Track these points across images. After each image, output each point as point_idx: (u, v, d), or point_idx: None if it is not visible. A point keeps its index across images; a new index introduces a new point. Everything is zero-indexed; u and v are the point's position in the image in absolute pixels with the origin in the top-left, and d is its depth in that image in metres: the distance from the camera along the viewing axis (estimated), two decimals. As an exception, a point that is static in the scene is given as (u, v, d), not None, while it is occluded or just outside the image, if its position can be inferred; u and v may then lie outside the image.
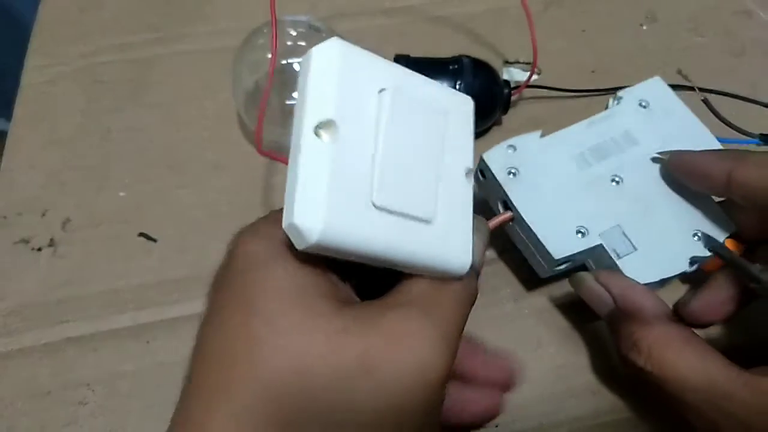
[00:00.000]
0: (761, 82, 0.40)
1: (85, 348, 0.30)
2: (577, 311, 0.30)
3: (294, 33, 0.34)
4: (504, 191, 0.27)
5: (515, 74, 0.40)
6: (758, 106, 0.37)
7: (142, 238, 0.33)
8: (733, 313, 0.26)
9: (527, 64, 0.40)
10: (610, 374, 0.29)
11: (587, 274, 0.27)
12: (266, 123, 0.35)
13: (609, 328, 0.26)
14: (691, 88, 0.38)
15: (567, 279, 0.28)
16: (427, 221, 0.20)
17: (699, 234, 0.27)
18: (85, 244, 0.33)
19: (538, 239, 0.26)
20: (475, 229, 0.22)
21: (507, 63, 0.41)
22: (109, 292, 0.31)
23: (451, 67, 0.34)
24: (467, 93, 0.34)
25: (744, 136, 0.34)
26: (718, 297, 0.26)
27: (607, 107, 0.31)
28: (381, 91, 0.19)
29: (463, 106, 0.22)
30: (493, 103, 0.35)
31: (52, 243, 0.33)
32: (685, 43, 0.42)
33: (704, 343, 0.23)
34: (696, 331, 0.25)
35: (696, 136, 0.30)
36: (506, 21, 0.43)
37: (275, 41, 0.30)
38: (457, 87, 0.34)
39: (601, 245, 0.27)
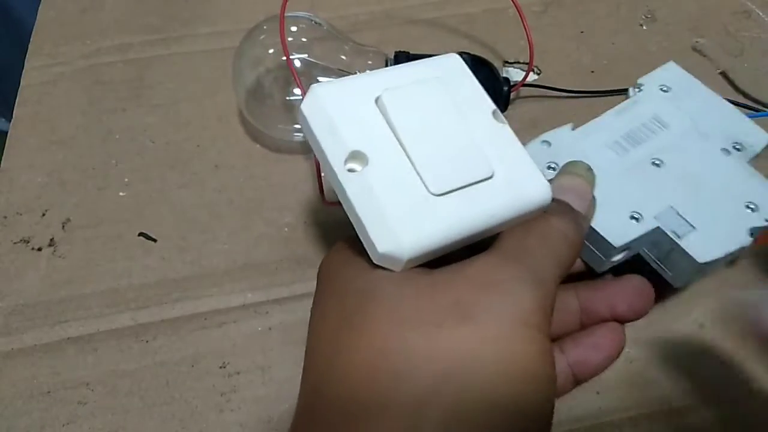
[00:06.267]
0: (761, 82, 0.40)
1: (85, 348, 0.29)
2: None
3: (295, 29, 0.34)
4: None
5: (514, 74, 0.40)
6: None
7: (142, 238, 0.33)
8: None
9: (526, 64, 0.40)
10: (614, 374, 0.28)
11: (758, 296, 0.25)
12: (269, 119, 0.35)
13: None
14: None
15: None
16: (488, 177, 0.20)
17: (752, 205, 0.27)
18: (85, 243, 0.33)
19: (593, 230, 0.26)
20: (576, 172, 0.22)
21: (507, 63, 0.41)
22: (109, 292, 0.31)
23: (450, 65, 0.34)
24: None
25: (765, 108, 0.34)
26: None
27: (628, 96, 0.32)
28: (376, 100, 0.20)
29: (452, 64, 0.23)
30: (492, 100, 0.35)
31: (52, 243, 0.33)
32: (684, 44, 0.42)
33: None
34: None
35: (722, 113, 0.30)
36: (505, 21, 0.43)
37: (283, 33, 0.30)
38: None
39: (658, 228, 0.26)
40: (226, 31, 0.43)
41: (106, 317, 0.30)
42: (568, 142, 0.29)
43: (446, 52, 0.35)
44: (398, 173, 0.19)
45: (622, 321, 0.25)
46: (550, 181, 0.22)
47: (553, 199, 0.21)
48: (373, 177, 0.19)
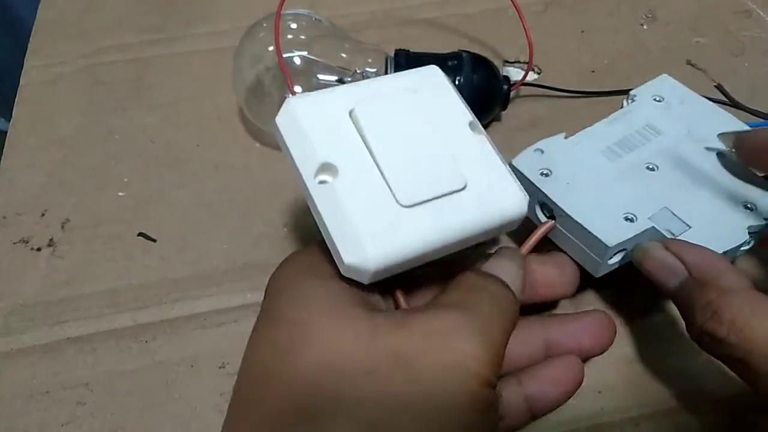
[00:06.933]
0: (761, 81, 0.40)
1: (84, 348, 0.29)
2: (577, 309, 0.30)
3: (294, 26, 0.34)
4: (541, 192, 0.27)
5: (515, 74, 0.40)
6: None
7: (141, 238, 0.33)
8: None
9: (526, 63, 0.40)
10: (615, 374, 0.28)
11: (655, 243, 0.25)
12: (267, 117, 0.35)
13: (678, 300, 0.24)
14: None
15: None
16: (461, 189, 0.20)
17: (750, 205, 0.27)
18: (84, 244, 0.33)
19: (587, 231, 0.25)
20: (510, 258, 0.22)
21: (507, 63, 0.41)
22: (109, 292, 0.31)
23: (450, 63, 0.34)
24: (467, 88, 0.35)
25: (761, 119, 0.34)
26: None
27: (622, 106, 0.32)
28: (350, 112, 0.20)
29: (431, 76, 0.22)
30: (492, 99, 0.35)
31: (51, 243, 0.33)
32: (685, 43, 0.42)
33: None
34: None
35: (719, 120, 0.30)
36: (505, 21, 0.43)
37: (277, 32, 0.30)
38: (457, 82, 0.33)
39: (653, 227, 0.26)
40: (226, 31, 0.43)
41: (106, 317, 0.30)
42: (560, 149, 0.29)
43: (446, 51, 0.36)
44: (368, 185, 0.19)
45: (587, 356, 0.25)
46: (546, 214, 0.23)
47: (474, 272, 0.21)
48: (342, 188, 0.19)
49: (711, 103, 0.31)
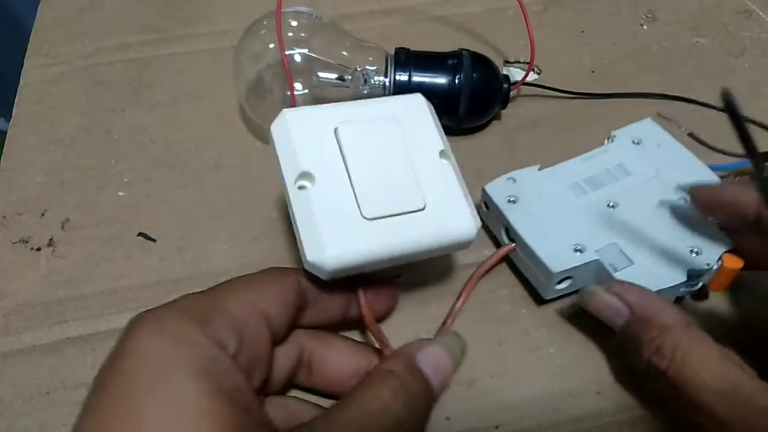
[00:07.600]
0: (761, 82, 0.40)
1: (84, 348, 0.29)
2: (577, 310, 0.30)
3: (295, 23, 0.34)
4: (504, 216, 0.29)
5: (515, 74, 0.40)
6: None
7: (141, 238, 0.33)
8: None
9: (527, 63, 0.40)
10: (614, 374, 0.28)
11: (597, 287, 0.27)
12: (269, 114, 0.35)
13: (624, 338, 0.26)
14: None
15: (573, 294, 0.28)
16: (420, 209, 0.22)
17: (696, 250, 0.28)
18: (84, 243, 0.33)
19: (537, 256, 0.27)
20: (442, 344, 0.22)
21: (507, 63, 0.41)
22: (109, 292, 0.31)
23: (450, 62, 0.34)
24: (466, 87, 0.35)
25: (736, 159, 0.34)
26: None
27: (603, 145, 0.33)
28: (335, 129, 0.23)
29: (413, 104, 0.25)
30: (492, 97, 0.35)
31: (51, 243, 0.33)
32: (685, 43, 0.42)
33: (724, 348, 0.23)
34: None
35: (688, 166, 0.31)
36: (505, 21, 0.43)
37: (280, 30, 0.30)
38: (457, 81, 0.33)
39: (597, 260, 0.27)
40: (225, 31, 0.43)
41: (106, 317, 0.30)
42: (531, 180, 0.30)
43: (447, 50, 0.36)
44: (339, 195, 0.22)
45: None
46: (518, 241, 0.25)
47: (411, 366, 0.21)
48: (316, 196, 0.21)
49: (685, 149, 0.32)
